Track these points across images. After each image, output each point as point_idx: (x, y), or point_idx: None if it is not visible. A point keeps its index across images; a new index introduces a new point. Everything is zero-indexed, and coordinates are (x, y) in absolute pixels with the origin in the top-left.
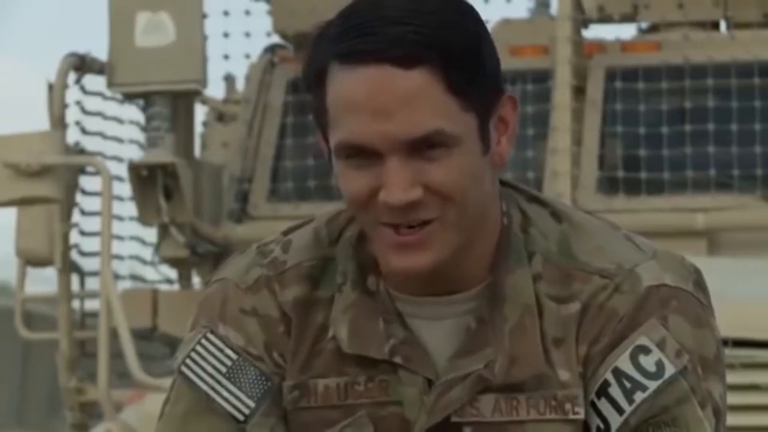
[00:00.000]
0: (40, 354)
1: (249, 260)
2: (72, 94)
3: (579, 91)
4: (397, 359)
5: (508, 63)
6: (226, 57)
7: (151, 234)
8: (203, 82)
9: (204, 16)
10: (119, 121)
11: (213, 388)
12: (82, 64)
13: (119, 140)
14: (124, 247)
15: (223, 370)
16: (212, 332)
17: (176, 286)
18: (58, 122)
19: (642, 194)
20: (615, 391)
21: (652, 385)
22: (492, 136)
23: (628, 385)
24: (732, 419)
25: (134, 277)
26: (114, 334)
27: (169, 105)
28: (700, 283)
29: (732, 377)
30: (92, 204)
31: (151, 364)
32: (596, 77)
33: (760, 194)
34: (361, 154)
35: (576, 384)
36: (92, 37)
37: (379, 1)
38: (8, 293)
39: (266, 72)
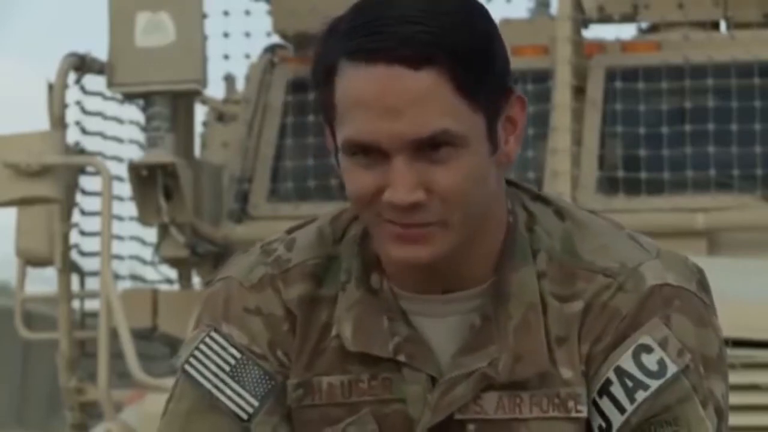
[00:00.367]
0: (40, 354)
1: (253, 259)
2: (72, 94)
3: (579, 91)
4: (401, 357)
5: None
6: (226, 57)
7: (151, 234)
8: (203, 82)
9: (204, 16)
10: (119, 121)
11: (216, 387)
12: (82, 64)
13: (119, 140)
14: (124, 247)
15: (227, 368)
16: (216, 331)
17: (176, 286)
18: (58, 122)
19: (642, 194)
20: (617, 389)
21: (654, 384)
22: (500, 136)
23: (629, 383)
24: (732, 419)
25: (134, 277)
26: (114, 334)
27: (169, 105)
28: (703, 283)
29: (732, 377)
30: (92, 204)
31: (151, 364)
32: (596, 77)
33: (760, 194)
34: (368, 152)
35: (579, 382)
36: (92, 37)
37: None
38: (8, 293)
39: (266, 72)
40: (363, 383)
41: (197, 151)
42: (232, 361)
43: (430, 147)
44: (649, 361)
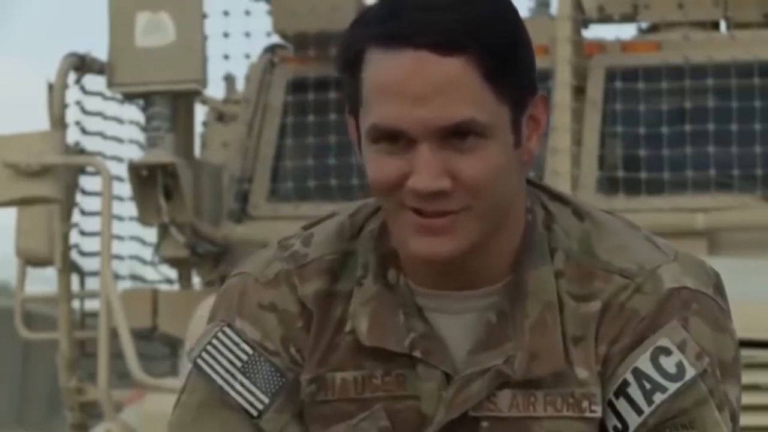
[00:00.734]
0: (40, 354)
1: (270, 254)
2: (72, 94)
3: (579, 91)
4: (417, 353)
5: None
6: (226, 57)
7: (151, 234)
8: (203, 82)
9: (204, 16)
10: (119, 121)
11: (227, 382)
12: (82, 64)
13: (119, 140)
14: (124, 247)
15: (239, 364)
16: (229, 326)
17: (176, 286)
18: (58, 122)
19: (642, 194)
20: (634, 391)
21: (672, 386)
22: (524, 132)
23: (647, 385)
24: None
25: (134, 277)
26: (114, 334)
27: (169, 105)
28: (719, 287)
29: None
30: (92, 204)
31: (151, 364)
32: (596, 77)
33: (760, 194)
34: (393, 138)
35: (594, 383)
36: (92, 37)
37: None
38: (8, 293)
39: (266, 72)
40: (376, 379)
41: (197, 151)
42: (244, 357)
43: (457, 135)
44: (668, 363)
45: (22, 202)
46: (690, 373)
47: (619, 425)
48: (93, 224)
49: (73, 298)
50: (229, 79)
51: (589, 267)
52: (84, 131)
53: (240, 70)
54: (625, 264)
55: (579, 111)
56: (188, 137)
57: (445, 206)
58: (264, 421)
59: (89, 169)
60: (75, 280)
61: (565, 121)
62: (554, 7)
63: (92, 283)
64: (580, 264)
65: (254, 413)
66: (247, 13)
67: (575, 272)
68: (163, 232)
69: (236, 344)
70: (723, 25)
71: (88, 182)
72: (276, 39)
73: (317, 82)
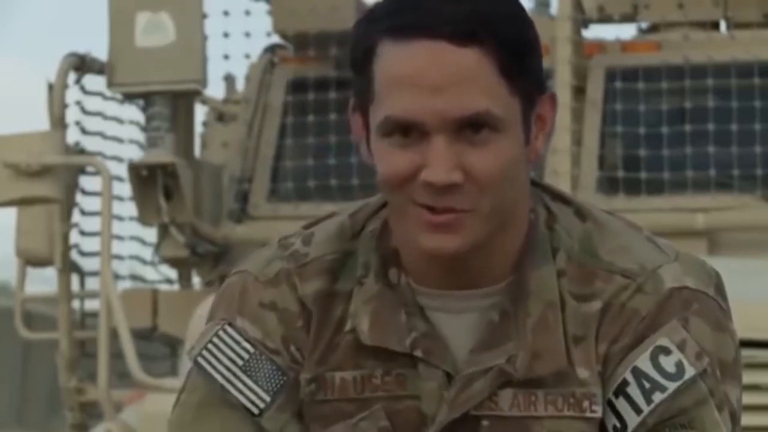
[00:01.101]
0: (40, 354)
1: (270, 253)
2: (72, 94)
3: (579, 91)
4: (418, 352)
5: None
6: (226, 57)
7: (151, 234)
8: (203, 82)
9: (204, 16)
10: (119, 121)
11: (228, 381)
12: (82, 64)
13: (119, 140)
14: (124, 247)
15: (240, 362)
16: (230, 325)
17: (176, 286)
18: (58, 122)
19: (642, 194)
20: (633, 390)
21: (672, 386)
22: (532, 129)
23: (647, 385)
24: None
25: (134, 277)
26: (114, 334)
27: (169, 105)
28: (720, 288)
29: None
30: (92, 204)
31: (151, 364)
32: (596, 77)
33: (760, 194)
34: (405, 131)
35: (595, 382)
36: (92, 37)
37: None
38: (8, 293)
39: (266, 72)
40: (376, 379)
41: (197, 151)
42: (246, 356)
43: (471, 128)
44: (667, 362)
45: (22, 202)
46: (689, 372)
47: (619, 424)
48: (93, 224)
49: (73, 298)
50: (229, 79)
51: (591, 267)
52: (84, 131)
53: (240, 70)
54: (626, 264)
55: (579, 111)
56: (188, 137)
57: (455, 203)
58: (265, 419)
59: (89, 169)
60: (75, 280)
61: (565, 121)
62: (554, 7)
63: (92, 283)
64: (581, 264)
65: (255, 412)
66: (247, 13)
67: (577, 272)
68: (163, 232)
69: (237, 343)
70: (723, 25)
71: (88, 182)
72: (276, 39)
73: (317, 82)
